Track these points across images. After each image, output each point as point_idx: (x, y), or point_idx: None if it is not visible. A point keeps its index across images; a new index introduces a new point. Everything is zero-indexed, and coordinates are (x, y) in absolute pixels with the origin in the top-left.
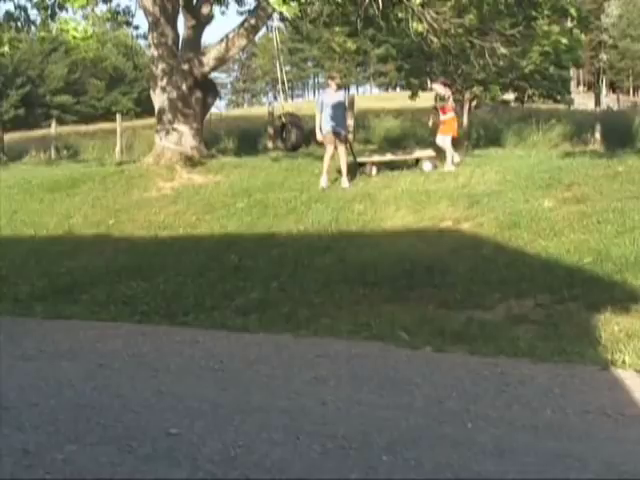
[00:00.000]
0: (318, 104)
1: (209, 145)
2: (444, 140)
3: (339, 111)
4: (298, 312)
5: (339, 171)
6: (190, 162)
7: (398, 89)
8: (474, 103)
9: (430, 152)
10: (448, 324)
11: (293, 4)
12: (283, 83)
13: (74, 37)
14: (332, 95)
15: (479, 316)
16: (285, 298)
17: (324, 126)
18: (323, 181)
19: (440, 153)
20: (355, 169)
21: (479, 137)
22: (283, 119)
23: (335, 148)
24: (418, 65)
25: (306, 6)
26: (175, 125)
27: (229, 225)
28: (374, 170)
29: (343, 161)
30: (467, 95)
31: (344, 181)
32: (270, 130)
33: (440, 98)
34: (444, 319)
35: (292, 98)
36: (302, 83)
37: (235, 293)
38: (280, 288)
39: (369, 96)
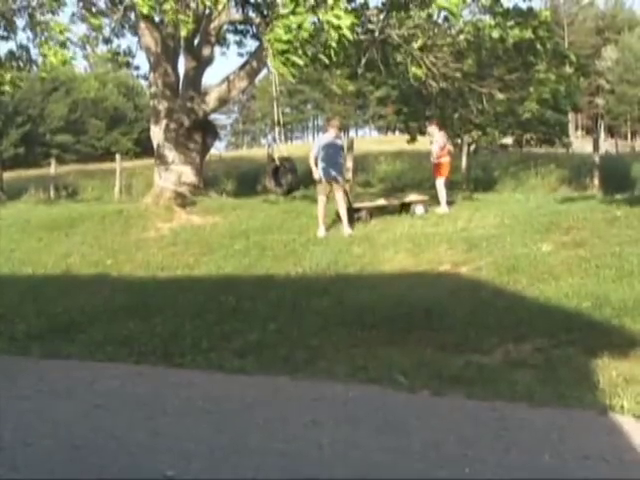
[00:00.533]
0: (315, 147)
1: (208, 186)
2: (438, 183)
3: (337, 156)
4: (295, 354)
5: (338, 216)
6: (189, 202)
7: (397, 132)
8: (472, 147)
9: (421, 196)
10: (446, 367)
11: (293, 69)
12: (279, 124)
13: (52, 63)
14: (330, 139)
15: (477, 360)
16: (283, 340)
17: (319, 171)
18: (321, 231)
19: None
20: (352, 214)
21: (477, 180)
22: (277, 162)
23: (329, 194)
24: (416, 109)
25: (306, 68)
26: (174, 165)
27: (227, 266)
28: (368, 216)
29: (342, 207)
30: (465, 139)
31: (346, 228)
32: (268, 174)
33: (436, 141)
34: (442, 362)
35: (291, 140)
36: (301, 125)
37: (232, 335)
38: (278, 330)
39: (368, 138)
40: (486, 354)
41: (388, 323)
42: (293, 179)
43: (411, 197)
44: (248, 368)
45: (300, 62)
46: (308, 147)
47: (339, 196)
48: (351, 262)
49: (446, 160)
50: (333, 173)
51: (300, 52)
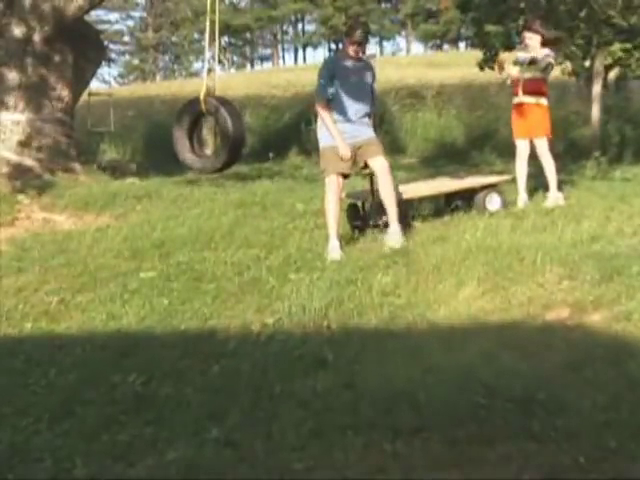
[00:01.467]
0: (323, 82)
1: (87, 153)
2: (541, 147)
3: (368, 99)
4: None
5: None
6: (47, 186)
7: (460, 45)
8: (610, 77)
9: (496, 177)
10: None
11: None
12: (213, 32)
13: None
14: (354, 66)
15: None
16: (234, 461)
17: (332, 133)
18: (333, 249)
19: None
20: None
21: (623, 142)
22: (202, 106)
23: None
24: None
25: None
26: (17, 112)
27: (125, 314)
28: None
29: (387, 194)
30: (598, 62)
31: (393, 234)
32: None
33: (531, 62)
34: None
35: (252, 63)
36: (270, 34)
37: (136, 450)
38: (225, 441)
39: (402, 59)
40: None
41: (446, 426)
42: (233, 141)
43: (478, 179)
44: None
45: None
46: (283, 77)
47: (383, 173)
48: (371, 304)
49: (545, 102)
50: (367, 132)
51: None
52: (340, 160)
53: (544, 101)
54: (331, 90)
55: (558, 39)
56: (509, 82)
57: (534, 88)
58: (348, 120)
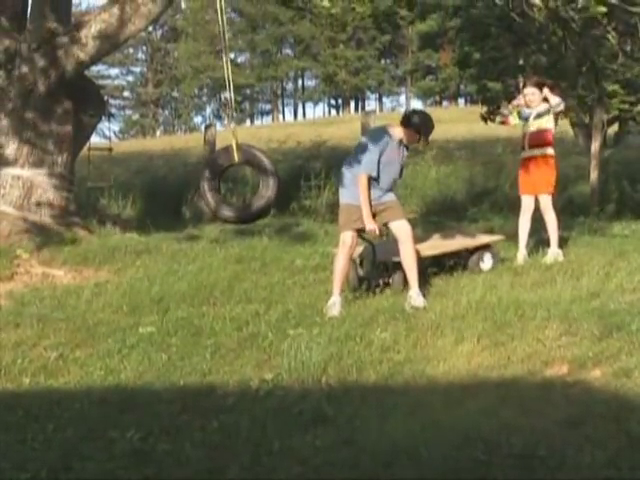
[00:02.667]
0: (371, 165)
1: (87, 207)
2: (545, 202)
3: (398, 174)
4: None
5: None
6: (48, 242)
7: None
8: (610, 130)
9: (490, 236)
10: None
11: None
12: (229, 84)
13: None
14: (397, 149)
15: None
16: None
17: (364, 208)
18: (334, 306)
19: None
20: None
21: (623, 198)
22: (235, 158)
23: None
24: (500, 55)
25: None
26: (19, 167)
27: (123, 370)
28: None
29: (408, 258)
30: (597, 118)
31: (416, 297)
32: (206, 180)
33: (538, 115)
34: None
35: (252, 119)
36: (271, 89)
37: None
38: None
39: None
40: None
41: None
42: (269, 190)
43: (471, 239)
44: None
45: None
46: (283, 130)
47: (405, 237)
48: (371, 359)
49: (551, 152)
50: (391, 195)
51: None
52: (358, 220)
53: (550, 151)
54: (376, 167)
55: (557, 85)
56: (515, 124)
57: (539, 140)
58: (380, 189)
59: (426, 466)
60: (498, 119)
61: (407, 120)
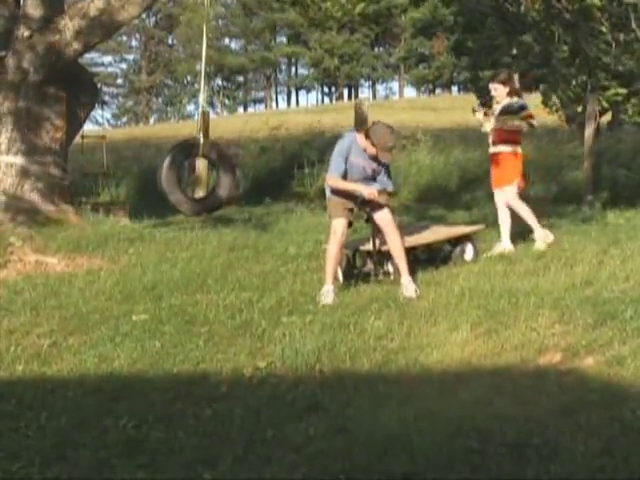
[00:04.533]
0: (337, 167)
1: (80, 195)
2: (508, 194)
3: (363, 175)
4: None
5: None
6: (41, 229)
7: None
8: (603, 121)
9: (470, 227)
10: None
11: None
12: (207, 75)
13: None
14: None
15: None
16: None
17: (348, 187)
18: (327, 294)
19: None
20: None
21: (615, 186)
22: (201, 150)
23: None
24: (492, 45)
25: None
26: (11, 154)
27: (117, 357)
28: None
29: (395, 248)
30: (590, 107)
31: (407, 284)
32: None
33: (501, 112)
34: None
35: (245, 106)
36: (265, 75)
37: None
38: None
39: (396, 102)
40: None
41: (439, 471)
42: (228, 182)
43: (454, 229)
44: None
45: None
46: (276, 119)
47: (388, 227)
48: (364, 347)
49: (513, 149)
50: (375, 185)
51: None
52: (346, 208)
53: (515, 149)
54: (343, 167)
55: (520, 91)
56: (487, 130)
57: (504, 137)
58: (362, 181)
59: (419, 455)
60: (487, 128)
61: (366, 132)
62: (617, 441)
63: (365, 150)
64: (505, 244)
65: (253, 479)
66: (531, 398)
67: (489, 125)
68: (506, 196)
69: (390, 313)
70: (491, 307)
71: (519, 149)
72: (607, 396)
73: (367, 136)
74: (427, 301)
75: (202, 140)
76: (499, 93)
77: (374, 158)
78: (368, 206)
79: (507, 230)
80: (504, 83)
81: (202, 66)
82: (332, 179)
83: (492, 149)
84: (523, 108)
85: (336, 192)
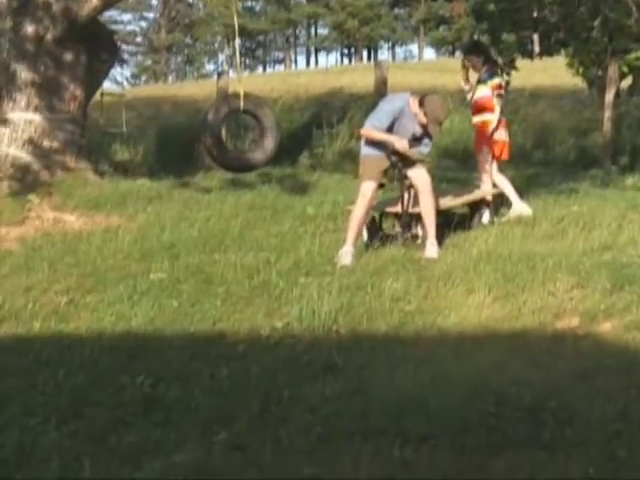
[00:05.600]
0: (379, 121)
1: (99, 153)
2: (482, 165)
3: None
4: None
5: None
6: (59, 186)
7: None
8: (623, 85)
9: (494, 190)
10: None
11: None
12: (238, 35)
13: None
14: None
15: None
16: (242, 465)
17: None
18: (346, 255)
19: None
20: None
21: (635, 151)
22: (241, 104)
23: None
24: (515, 7)
25: None
26: (29, 111)
27: (134, 316)
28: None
29: (426, 209)
30: (611, 70)
31: (430, 247)
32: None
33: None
34: None
35: (264, 66)
36: (285, 38)
37: (144, 452)
38: (234, 444)
39: (415, 64)
40: None
41: (454, 434)
42: (270, 141)
43: (475, 193)
44: None
45: None
46: (296, 80)
47: (423, 187)
48: (381, 310)
49: (490, 117)
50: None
51: None
52: (380, 169)
53: (488, 117)
54: (385, 126)
55: (492, 60)
56: (468, 99)
57: (478, 106)
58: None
59: (435, 418)
60: (468, 97)
61: (421, 100)
62: (633, 406)
63: (416, 116)
64: (517, 206)
65: (269, 438)
66: (548, 362)
67: (469, 96)
68: (479, 165)
69: (408, 275)
70: (509, 271)
71: (492, 116)
72: (624, 361)
73: (421, 104)
74: (445, 264)
75: (242, 95)
76: (475, 64)
77: (423, 126)
78: (406, 165)
79: (513, 193)
80: (478, 54)
81: (235, 28)
82: (367, 130)
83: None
84: (492, 76)
85: (372, 149)
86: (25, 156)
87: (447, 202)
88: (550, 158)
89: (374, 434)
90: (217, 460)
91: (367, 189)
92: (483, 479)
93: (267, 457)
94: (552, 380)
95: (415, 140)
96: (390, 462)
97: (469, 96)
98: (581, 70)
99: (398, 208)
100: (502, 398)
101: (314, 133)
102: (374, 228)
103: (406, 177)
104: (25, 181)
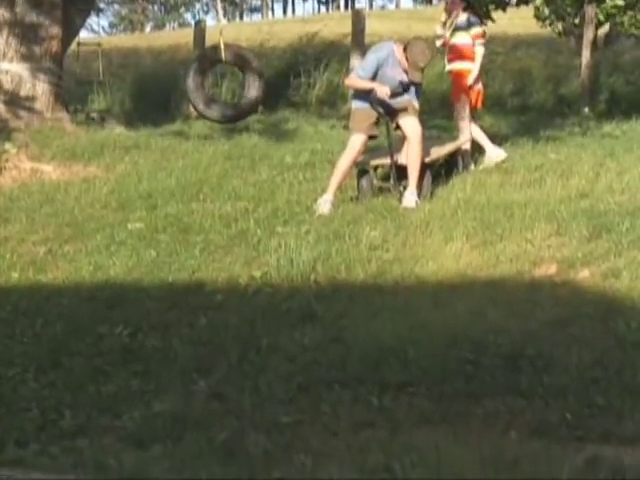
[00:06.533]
0: (364, 70)
1: (76, 103)
2: (460, 113)
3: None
4: (247, 442)
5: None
6: (36, 136)
7: None
8: (601, 33)
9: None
10: (548, 469)
11: None
12: None
13: None
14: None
15: (611, 456)
16: (221, 413)
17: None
18: (324, 203)
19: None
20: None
21: (613, 98)
22: (222, 55)
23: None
24: None
25: None
26: (5, 60)
27: (112, 266)
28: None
29: (412, 158)
30: (589, 17)
31: (409, 196)
32: (192, 79)
33: (455, 27)
34: (540, 459)
35: (241, 15)
36: None
37: (123, 402)
38: (213, 393)
39: (392, 12)
40: (627, 443)
41: (433, 381)
42: (255, 89)
43: (456, 142)
44: (153, 469)
45: None
46: (272, 28)
47: (413, 136)
48: (359, 258)
49: (466, 66)
50: (405, 96)
51: None
52: (370, 122)
53: (465, 65)
54: (370, 74)
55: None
56: (438, 45)
57: (455, 53)
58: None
59: (414, 366)
60: (437, 43)
61: (405, 46)
62: (611, 353)
63: (400, 63)
64: (491, 153)
65: (248, 387)
66: (525, 310)
67: (439, 41)
68: (456, 114)
69: (386, 224)
70: (486, 219)
71: (469, 64)
72: (602, 308)
73: (405, 50)
74: (423, 212)
75: (223, 46)
76: (456, 8)
77: (407, 73)
78: (397, 114)
79: (485, 140)
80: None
81: None
82: (350, 79)
83: (447, 67)
84: (472, 25)
85: (361, 101)
86: (2, 106)
87: (432, 155)
88: (527, 105)
89: (353, 382)
90: (196, 409)
91: (356, 141)
92: (461, 426)
93: (246, 406)
94: (530, 328)
95: (404, 89)
96: (369, 409)
97: (439, 42)
98: (550, 22)
99: (386, 160)
100: (480, 346)
101: (291, 81)
102: (368, 181)
103: (398, 127)
104: (1, 131)
